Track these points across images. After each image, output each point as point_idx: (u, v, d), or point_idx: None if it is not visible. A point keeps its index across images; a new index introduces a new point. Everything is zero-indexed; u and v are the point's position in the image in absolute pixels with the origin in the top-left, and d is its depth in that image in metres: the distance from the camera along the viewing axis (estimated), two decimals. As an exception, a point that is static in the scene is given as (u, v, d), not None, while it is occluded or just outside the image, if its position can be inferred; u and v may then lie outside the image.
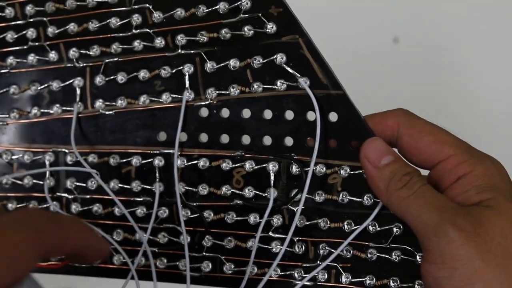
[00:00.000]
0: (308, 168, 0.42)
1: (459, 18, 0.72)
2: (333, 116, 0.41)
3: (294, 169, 0.42)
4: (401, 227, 0.41)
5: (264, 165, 0.43)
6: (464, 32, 0.72)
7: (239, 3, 0.42)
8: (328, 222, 0.42)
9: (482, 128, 0.65)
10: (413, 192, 0.37)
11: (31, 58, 0.45)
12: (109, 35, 0.44)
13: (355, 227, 0.41)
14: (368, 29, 0.70)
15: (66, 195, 0.46)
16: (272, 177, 0.43)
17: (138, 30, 0.44)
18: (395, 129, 0.40)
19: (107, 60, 0.44)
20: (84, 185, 0.45)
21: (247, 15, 0.42)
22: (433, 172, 0.40)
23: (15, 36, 0.46)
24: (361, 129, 0.41)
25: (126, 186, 0.45)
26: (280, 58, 0.42)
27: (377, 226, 0.41)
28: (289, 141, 0.43)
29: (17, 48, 0.46)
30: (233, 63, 0.43)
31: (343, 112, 0.41)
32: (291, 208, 0.43)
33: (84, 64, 0.45)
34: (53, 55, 0.45)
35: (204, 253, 0.44)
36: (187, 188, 0.44)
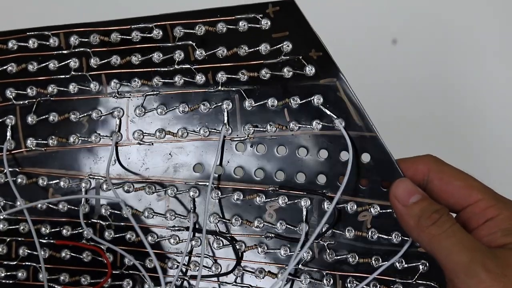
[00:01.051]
0: (341, 206, 0.45)
1: (458, 20, 0.75)
2: (365, 157, 0.45)
3: (326, 205, 0.46)
4: (427, 265, 0.45)
5: (296, 200, 0.46)
6: (464, 32, 0.75)
7: (280, 45, 0.45)
8: (357, 257, 0.46)
9: (483, 128, 0.67)
10: (443, 230, 0.40)
11: (72, 87, 0.48)
12: (151, 69, 0.47)
13: (383, 263, 0.45)
14: (367, 31, 0.73)
15: (100, 221, 0.48)
16: (304, 212, 0.46)
17: (180, 66, 0.47)
18: (425, 174, 0.44)
19: (148, 93, 0.47)
20: (119, 212, 0.48)
21: (287, 57, 0.45)
22: (462, 214, 0.43)
23: (58, 65, 0.48)
24: (392, 170, 0.44)
25: (160, 214, 0.48)
26: (317, 99, 0.45)
27: (404, 263, 0.45)
28: (322, 178, 0.46)
29: (60, 76, 0.48)
30: (271, 102, 0.46)
31: (375, 154, 0.45)
32: (322, 242, 0.46)
33: (125, 96, 0.48)
34: (94, 85, 0.48)
35: (235, 283, 0.48)
36: (221, 219, 0.47)
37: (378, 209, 0.45)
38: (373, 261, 0.45)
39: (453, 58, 0.73)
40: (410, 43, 0.74)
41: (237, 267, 0.47)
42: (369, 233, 0.45)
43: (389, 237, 0.45)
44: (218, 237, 0.47)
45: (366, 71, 0.68)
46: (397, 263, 0.45)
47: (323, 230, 0.46)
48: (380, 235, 0.45)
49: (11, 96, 0.49)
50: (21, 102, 0.49)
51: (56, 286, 0.49)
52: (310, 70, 0.45)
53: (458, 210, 0.44)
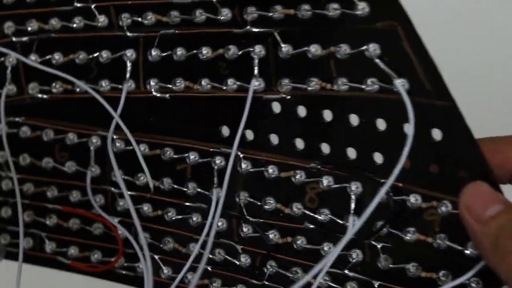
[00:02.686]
0: (401, 198, 0.40)
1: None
2: (436, 134, 0.39)
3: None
4: (513, 292, 0.38)
5: (344, 184, 0.41)
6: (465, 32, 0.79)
7: (325, -27, 0.39)
8: (419, 270, 0.40)
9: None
10: None
11: (77, 21, 0.46)
12: (166, 1, 0.43)
13: (453, 283, 0.39)
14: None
15: (112, 188, 0.47)
16: (353, 201, 0.41)
17: (201, -3, 0.43)
18: None
19: (162, 32, 0.44)
20: (132, 179, 0.46)
21: None
22: None
23: None
24: (473, 156, 0.38)
25: (179, 188, 0.45)
26: (372, 49, 0.39)
27: (481, 285, 0.38)
28: (378, 157, 0.41)
29: (62, 8, 0.46)
30: (314, 50, 0.40)
31: (450, 131, 0.38)
32: (374, 243, 0.41)
33: (137, 34, 0.45)
34: (102, 20, 0.45)
35: (265, 282, 0.44)
36: (250, 199, 0.44)
37: (450, 207, 0.39)
38: (441, 277, 0.39)
39: (456, 57, 0.74)
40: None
41: (268, 261, 0.44)
42: (437, 239, 0.39)
43: (463, 249, 0.39)
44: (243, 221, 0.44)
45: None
46: (472, 284, 0.38)
47: (377, 226, 0.40)
48: (450, 244, 0.39)
49: (9, 32, 0.48)
50: (22, 39, 0.47)
51: (63, 260, 0.48)
52: (362, 8, 0.38)
53: None
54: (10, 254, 0.50)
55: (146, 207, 0.46)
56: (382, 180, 0.40)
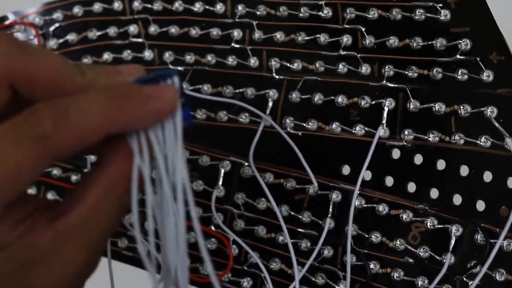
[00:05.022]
0: (495, 240, 0.46)
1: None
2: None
3: (479, 238, 0.47)
4: None
5: (447, 225, 0.48)
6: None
7: (458, 41, 0.48)
8: (504, 308, 0.47)
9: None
10: None
11: (231, 60, 0.55)
12: (313, 51, 0.52)
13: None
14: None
15: (233, 209, 0.54)
16: (452, 241, 0.48)
17: (346, 52, 0.51)
18: None
19: (306, 77, 0.52)
20: (254, 203, 0.53)
21: (463, 57, 0.48)
22: None
23: (221, 33, 0.55)
24: None
25: (295, 215, 0.52)
26: (490, 111, 0.47)
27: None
28: (480, 205, 0.48)
29: (220, 46, 0.55)
30: (438, 107, 0.49)
31: None
32: (466, 280, 0.47)
33: (282, 77, 0.53)
34: (254, 61, 0.54)
35: None
36: (359, 231, 0.50)
37: None
38: None
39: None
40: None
41: (366, 289, 0.50)
42: None
43: None
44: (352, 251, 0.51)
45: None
46: None
47: (470, 265, 0.47)
48: None
49: (167, 61, 0.57)
50: (179, 68, 0.56)
51: None
52: (487, 76, 0.47)
53: None
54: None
55: (260, 229, 0.53)
56: (482, 225, 0.47)
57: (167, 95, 0.32)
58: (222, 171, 0.54)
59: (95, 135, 0.31)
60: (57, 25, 0.58)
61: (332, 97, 0.52)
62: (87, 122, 0.31)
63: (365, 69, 0.51)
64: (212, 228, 0.54)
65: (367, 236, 0.50)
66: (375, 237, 0.50)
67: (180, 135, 0.32)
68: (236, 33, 0.55)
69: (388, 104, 0.50)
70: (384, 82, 0.50)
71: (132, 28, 0.57)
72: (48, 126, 0.31)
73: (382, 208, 0.50)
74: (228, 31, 0.55)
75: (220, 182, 0.54)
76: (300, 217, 0.52)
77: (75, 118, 0.31)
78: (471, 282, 0.47)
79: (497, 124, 0.47)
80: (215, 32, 0.55)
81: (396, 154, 0.50)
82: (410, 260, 0.49)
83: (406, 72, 0.50)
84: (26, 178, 0.31)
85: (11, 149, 0.30)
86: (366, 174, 0.51)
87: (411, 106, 0.49)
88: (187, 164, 0.55)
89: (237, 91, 0.54)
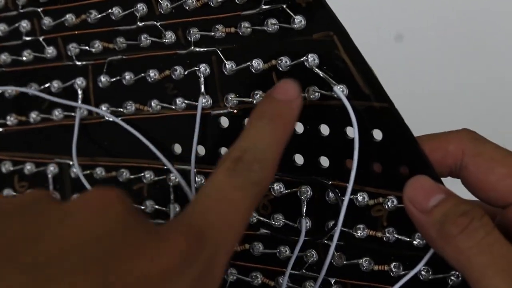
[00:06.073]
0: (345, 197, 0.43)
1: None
2: (377, 135, 0.42)
3: (331, 196, 0.44)
4: (459, 277, 0.42)
5: (295, 189, 0.45)
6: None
7: (260, -10, 0.43)
8: (372, 264, 0.44)
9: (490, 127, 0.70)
10: (475, 242, 0.37)
11: (27, 54, 0.49)
12: (110, 28, 0.47)
13: (404, 272, 0.43)
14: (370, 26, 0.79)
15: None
16: (304, 205, 0.44)
17: (143, 23, 0.46)
18: (458, 157, 0.41)
19: (110, 58, 0.47)
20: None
21: (269, 6, 0.43)
22: (507, 213, 0.40)
23: (8, 29, 0.50)
24: (413, 152, 0.41)
25: (137, 206, 0.48)
26: (311, 60, 0.42)
27: (430, 273, 0.42)
28: (325, 161, 0.44)
29: (11, 43, 0.50)
30: (256, 64, 0.44)
31: (389, 130, 0.42)
32: (327, 242, 0.44)
33: (85, 63, 0.48)
34: (50, 51, 0.49)
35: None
36: None
37: (396, 202, 0.42)
38: (392, 269, 0.43)
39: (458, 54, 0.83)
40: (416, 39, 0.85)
41: (229, 270, 0.47)
42: (386, 233, 0.43)
43: (411, 239, 0.42)
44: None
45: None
46: (422, 272, 0.42)
47: (329, 227, 0.44)
48: (398, 236, 0.43)
49: None
50: None
51: None
52: (299, 22, 0.42)
53: (501, 206, 0.40)
54: None
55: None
56: (330, 182, 0.44)
57: None
58: (50, 176, 0.50)
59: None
60: None
61: (143, 74, 0.47)
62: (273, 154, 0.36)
63: (169, 37, 0.46)
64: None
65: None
66: None
67: None
68: (25, 25, 0.49)
69: (203, 70, 0.45)
70: (192, 47, 0.45)
71: None
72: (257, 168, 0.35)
73: None
74: (15, 24, 0.49)
75: (51, 187, 0.50)
76: (143, 207, 0.48)
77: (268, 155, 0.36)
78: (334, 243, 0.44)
79: (321, 73, 0.42)
80: (2, 27, 0.50)
81: (225, 122, 0.46)
82: (266, 231, 0.46)
83: (213, 34, 0.45)
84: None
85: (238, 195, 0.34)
86: (199, 150, 0.47)
87: (227, 68, 0.45)
88: (13, 177, 0.51)
89: (42, 87, 0.49)
